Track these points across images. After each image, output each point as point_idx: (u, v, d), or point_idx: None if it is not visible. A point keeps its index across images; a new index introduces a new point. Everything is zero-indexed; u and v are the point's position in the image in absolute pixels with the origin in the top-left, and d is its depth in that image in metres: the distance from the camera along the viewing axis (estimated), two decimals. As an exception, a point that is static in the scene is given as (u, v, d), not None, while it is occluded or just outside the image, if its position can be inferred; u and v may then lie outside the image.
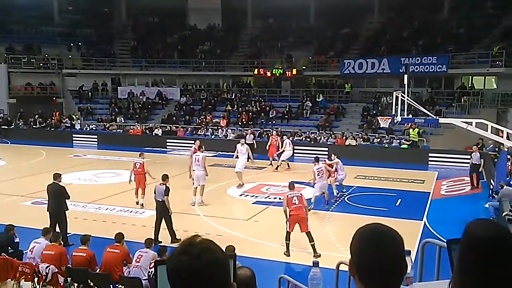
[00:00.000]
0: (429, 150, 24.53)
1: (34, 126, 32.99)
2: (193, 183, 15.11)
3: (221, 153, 24.83)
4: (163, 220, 11.46)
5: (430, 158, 23.66)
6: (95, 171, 20.86)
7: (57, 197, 11.36)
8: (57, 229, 10.69)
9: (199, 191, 14.85)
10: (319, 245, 10.56)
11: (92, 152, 27.83)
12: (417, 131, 25.17)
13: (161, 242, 9.68)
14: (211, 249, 1.49)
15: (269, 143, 22.65)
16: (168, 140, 29.11)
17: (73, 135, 31.10)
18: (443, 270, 3.43)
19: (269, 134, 24.85)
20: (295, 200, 10.61)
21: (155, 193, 11.72)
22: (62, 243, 9.31)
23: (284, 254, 10.61)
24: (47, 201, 11.57)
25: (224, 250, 1.53)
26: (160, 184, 11.76)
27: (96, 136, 30.79)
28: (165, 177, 12.02)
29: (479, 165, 17.96)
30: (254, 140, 24.80)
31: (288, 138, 23.31)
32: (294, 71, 32.71)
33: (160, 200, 11.48)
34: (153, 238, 9.99)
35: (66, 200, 11.49)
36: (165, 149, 28.12)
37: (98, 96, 37.03)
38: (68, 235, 11.17)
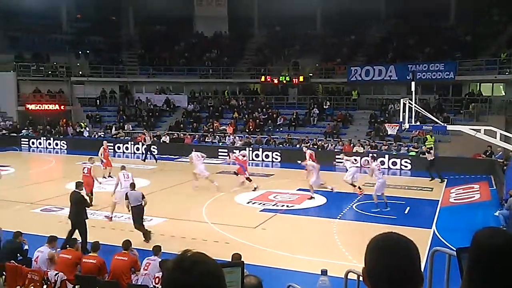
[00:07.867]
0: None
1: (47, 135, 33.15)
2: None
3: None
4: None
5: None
6: (103, 178, 20.86)
7: (77, 206, 11.58)
8: (74, 236, 10.94)
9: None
10: (327, 253, 10.49)
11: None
12: (434, 138, 25.04)
13: (161, 247, 9.61)
14: (202, 262, 1.49)
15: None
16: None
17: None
18: (453, 279, 3.42)
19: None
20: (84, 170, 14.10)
21: (126, 199, 12.24)
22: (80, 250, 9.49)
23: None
24: (69, 209, 11.83)
25: (231, 258, 1.54)
26: (131, 190, 12.44)
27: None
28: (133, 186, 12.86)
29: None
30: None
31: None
32: (301, 78, 32.80)
33: (136, 204, 12.07)
34: (159, 245, 9.92)
35: (86, 208, 11.81)
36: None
37: (106, 104, 37.29)
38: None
